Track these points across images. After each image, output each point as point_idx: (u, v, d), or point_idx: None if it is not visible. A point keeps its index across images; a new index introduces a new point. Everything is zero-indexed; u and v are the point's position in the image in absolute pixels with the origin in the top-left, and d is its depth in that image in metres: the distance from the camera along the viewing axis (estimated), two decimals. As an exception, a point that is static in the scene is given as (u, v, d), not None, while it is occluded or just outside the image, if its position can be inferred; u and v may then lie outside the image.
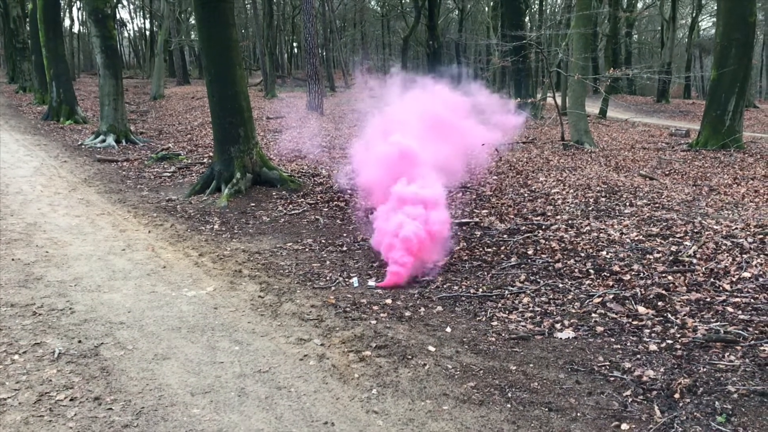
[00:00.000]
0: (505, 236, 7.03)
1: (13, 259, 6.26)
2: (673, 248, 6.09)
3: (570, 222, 7.33)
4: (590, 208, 8.00)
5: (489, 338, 4.54)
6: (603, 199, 8.54)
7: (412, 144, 6.74)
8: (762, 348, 4.08)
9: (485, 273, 5.97)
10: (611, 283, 5.42)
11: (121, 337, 4.51)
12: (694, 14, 35.30)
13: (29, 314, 4.90)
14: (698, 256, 5.83)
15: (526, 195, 9.02)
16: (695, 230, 6.66)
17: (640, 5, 39.12)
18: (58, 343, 4.39)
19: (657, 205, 8.11)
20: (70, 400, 3.64)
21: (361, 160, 7.73)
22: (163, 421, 3.45)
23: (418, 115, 7.36)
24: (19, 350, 4.26)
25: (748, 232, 6.41)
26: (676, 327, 4.52)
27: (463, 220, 7.68)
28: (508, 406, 3.61)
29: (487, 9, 36.63)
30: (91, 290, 5.48)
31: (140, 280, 5.80)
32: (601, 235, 6.71)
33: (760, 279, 5.17)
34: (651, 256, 5.92)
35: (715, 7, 22.13)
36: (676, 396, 3.60)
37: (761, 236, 6.22)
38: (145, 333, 4.60)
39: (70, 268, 6.07)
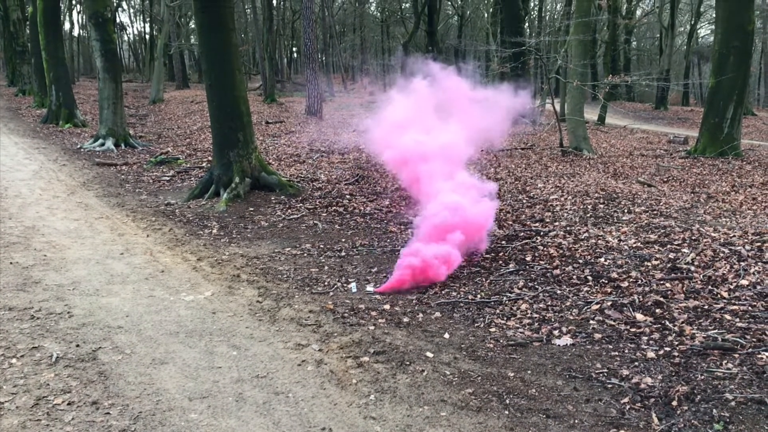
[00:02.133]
0: (503, 242, 7.03)
1: (11, 263, 6.26)
2: (671, 255, 6.09)
3: (568, 228, 7.34)
4: (588, 215, 8.02)
5: (487, 344, 4.54)
6: (601, 205, 8.56)
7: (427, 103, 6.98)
8: (759, 356, 4.09)
9: (483, 279, 5.98)
10: (609, 290, 5.42)
11: (119, 342, 4.51)
12: (692, 22, 35.44)
13: (27, 318, 4.89)
14: (696, 263, 5.84)
15: (524, 201, 9.03)
16: (693, 237, 6.67)
17: (639, 12, 39.25)
18: (56, 347, 4.39)
19: (655, 212, 8.12)
20: (68, 404, 3.63)
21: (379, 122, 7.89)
22: (160, 425, 3.44)
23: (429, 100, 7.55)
24: (16, 354, 4.26)
25: (745, 240, 6.43)
26: (674, 334, 4.52)
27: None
28: (506, 412, 3.61)
29: (486, 15, 36.73)
30: (89, 294, 5.48)
31: (138, 284, 5.79)
32: (600, 241, 6.72)
33: (758, 287, 5.18)
34: (649, 263, 5.93)
35: (714, 15, 22.24)
36: (674, 403, 3.61)
37: (759, 244, 6.23)
38: (143, 337, 4.60)
39: (68, 272, 6.06)
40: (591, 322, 4.86)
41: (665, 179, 11.42)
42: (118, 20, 43.77)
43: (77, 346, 4.42)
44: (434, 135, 7.10)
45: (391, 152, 7.18)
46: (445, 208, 6.14)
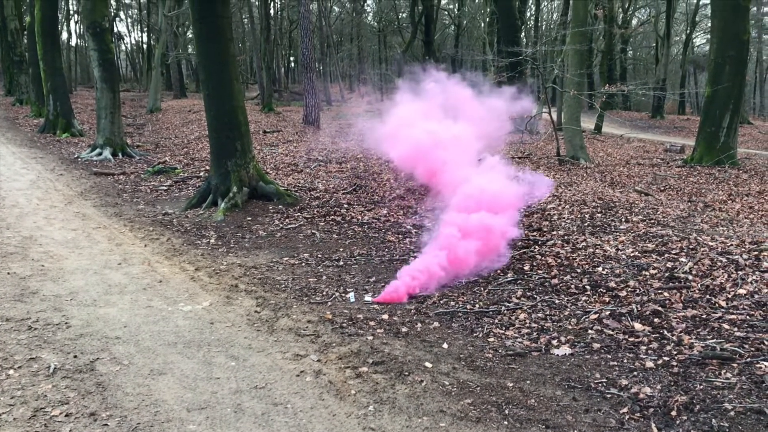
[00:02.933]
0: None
1: (8, 273, 6.24)
2: (669, 264, 6.10)
3: (566, 238, 7.34)
4: (586, 224, 8.02)
5: (486, 354, 4.54)
6: (599, 214, 8.57)
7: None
8: (758, 365, 4.09)
9: (482, 289, 5.98)
10: (607, 300, 5.43)
11: (117, 352, 4.49)
12: (688, 31, 35.63)
13: (24, 329, 4.87)
14: (694, 272, 5.85)
15: (521, 210, 9.03)
16: (690, 246, 6.68)
17: (634, 22, 39.48)
18: (54, 358, 4.37)
19: (652, 221, 8.14)
20: (66, 415, 3.62)
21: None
22: (158, 437, 3.43)
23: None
24: (14, 365, 4.24)
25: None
26: (673, 344, 4.52)
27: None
28: (505, 423, 3.60)
29: (483, 25, 36.88)
30: (86, 305, 5.46)
31: (136, 294, 5.78)
32: (597, 251, 6.73)
33: (756, 296, 5.18)
34: (647, 273, 5.93)
35: (709, 25, 22.37)
36: (673, 413, 3.60)
37: (756, 253, 6.24)
38: (141, 348, 4.59)
39: (65, 282, 6.05)
40: (589, 331, 4.86)
41: (662, 188, 11.45)
42: (115, 30, 43.86)
43: (75, 357, 4.40)
44: (447, 128, 7.27)
45: (404, 148, 7.30)
46: (486, 186, 6.26)
